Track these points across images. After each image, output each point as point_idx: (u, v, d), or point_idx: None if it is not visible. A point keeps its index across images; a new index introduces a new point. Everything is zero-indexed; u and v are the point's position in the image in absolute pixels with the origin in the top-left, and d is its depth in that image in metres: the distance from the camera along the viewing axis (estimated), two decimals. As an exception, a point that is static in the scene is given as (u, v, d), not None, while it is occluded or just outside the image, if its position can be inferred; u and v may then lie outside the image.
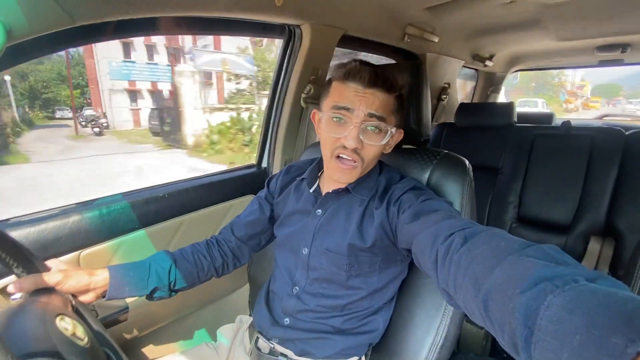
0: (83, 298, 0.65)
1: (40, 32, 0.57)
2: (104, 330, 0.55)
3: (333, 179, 0.74)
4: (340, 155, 0.68)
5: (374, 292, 0.74)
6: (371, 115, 0.65)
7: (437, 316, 0.72)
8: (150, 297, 0.74)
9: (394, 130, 0.68)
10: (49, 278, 0.59)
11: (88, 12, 0.61)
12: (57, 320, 0.46)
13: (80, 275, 0.64)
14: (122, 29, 0.73)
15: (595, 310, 0.27)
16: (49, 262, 0.63)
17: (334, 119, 0.68)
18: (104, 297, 0.68)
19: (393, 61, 1.65)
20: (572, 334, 0.27)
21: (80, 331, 0.47)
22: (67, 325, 0.46)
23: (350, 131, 0.65)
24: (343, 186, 0.75)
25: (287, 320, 0.78)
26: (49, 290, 0.58)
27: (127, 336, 0.93)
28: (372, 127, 0.66)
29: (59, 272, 0.61)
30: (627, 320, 0.25)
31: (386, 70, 0.68)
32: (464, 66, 2.16)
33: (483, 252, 0.43)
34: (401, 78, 0.69)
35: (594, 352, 0.25)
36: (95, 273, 0.66)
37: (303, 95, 1.18)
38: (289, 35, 1.11)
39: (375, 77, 0.65)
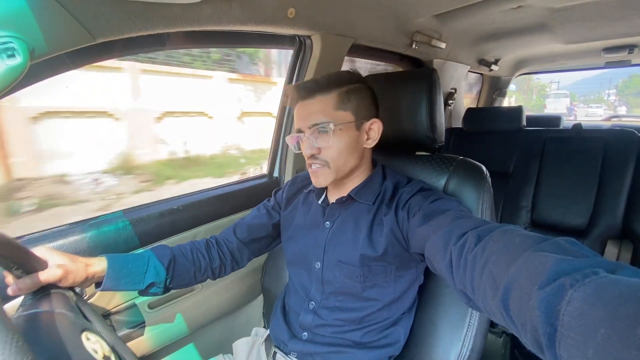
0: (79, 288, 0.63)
1: (62, 50, 0.58)
2: (110, 330, 0.53)
3: (314, 185, 0.75)
4: (310, 164, 0.73)
5: (391, 302, 0.73)
6: (314, 125, 0.69)
7: (461, 326, 0.70)
8: (144, 292, 0.72)
9: (331, 126, 0.68)
10: (50, 276, 0.55)
11: (108, 29, 0.62)
12: (84, 339, 0.45)
13: (79, 268, 0.61)
14: (140, 44, 0.74)
15: (617, 301, 0.26)
16: (39, 252, 0.58)
17: (299, 138, 0.74)
18: (97, 287, 0.66)
19: (400, 69, 1.66)
20: (595, 328, 0.26)
21: (106, 350, 0.46)
22: (94, 345, 0.45)
23: (304, 142, 0.72)
24: (345, 194, 0.75)
25: (305, 335, 0.77)
26: (48, 287, 0.55)
27: (143, 351, 0.92)
28: (318, 131, 0.70)
29: (58, 267, 0.57)
30: None
31: (315, 77, 0.72)
32: (469, 71, 2.16)
33: (498, 250, 0.42)
34: (338, 75, 0.72)
35: (619, 345, 0.24)
36: (91, 263, 0.64)
37: None
38: (300, 45, 1.11)
39: (303, 89, 0.71)
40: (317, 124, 0.69)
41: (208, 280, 0.86)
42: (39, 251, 0.58)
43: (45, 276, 0.55)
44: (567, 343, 0.28)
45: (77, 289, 0.72)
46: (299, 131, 0.72)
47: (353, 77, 0.73)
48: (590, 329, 0.26)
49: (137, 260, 0.71)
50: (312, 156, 0.71)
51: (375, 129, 0.74)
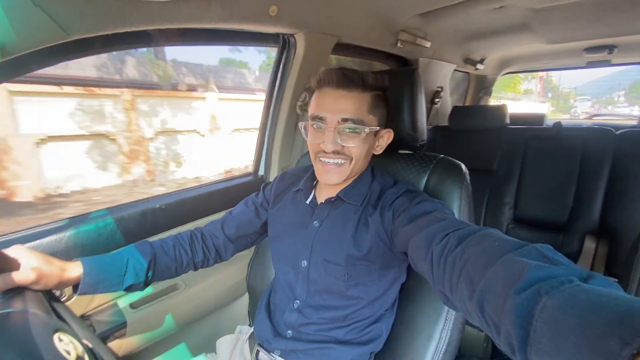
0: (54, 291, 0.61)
1: (35, 47, 0.57)
2: (86, 329, 0.53)
3: (321, 181, 0.74)
4: (322, 159, 0.70)
5: (374, 300, 0.74)
6: (345, 120, 0.67)
7: (439, 321, 0.72)
8: (123, 291, 0.71)
9: (367, 130, 0.67)
10: (21, 279, 0.54)
11: (83, 26, 0.61)
12: (56, 340, 0.44)
13: (52, 272, 0.59)
14: (118, 42, 0.72)
15: (588, 310, 0.27)
16: (13, 251, 0.56)
17: (314, 126, 0.70)
18: (75, 291, 0.64)
19: (387, 67, 1.67)
20: (567, 335, 0.27)
21: (80, 350, 0.46)
22: (67, 346, 0.44)
23: (326, 136, 0.67)
24: (334, 195, 0.75)
25: (289, 333, 0.77)
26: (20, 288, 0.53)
27: (125, 351, 0.91)
28: (348, 130, 0.67)
29: (32, 270, 0.55)
30: (620, 321, 0.25)
31: (359, 70, 0.68)
32: (455, 70, 2.19)
33: (477, 252, 0.43)
34: (378, 78, 0.69)
35: (589, 354, 0.25)
36: (67, 268, 0.62)
37: (299, 103, 1.18)
38: (283, 44, 1.11)
39: (345, 78, 0.67)
40: (351, 120, 0.66)
41: (192, 278, 0.86)
42: (13, 250, 0.56)
43: (17, 278, 0.53)
44: (538, 348, 0.29)
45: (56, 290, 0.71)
46: (320, 119, 0.68)
47: (384, 85, 0.72)
48: (561, 335, 0.27)
49: (115, 263, 0.69)
50: (334, 152, 0.68)
51: (386, 138, 0.75)
